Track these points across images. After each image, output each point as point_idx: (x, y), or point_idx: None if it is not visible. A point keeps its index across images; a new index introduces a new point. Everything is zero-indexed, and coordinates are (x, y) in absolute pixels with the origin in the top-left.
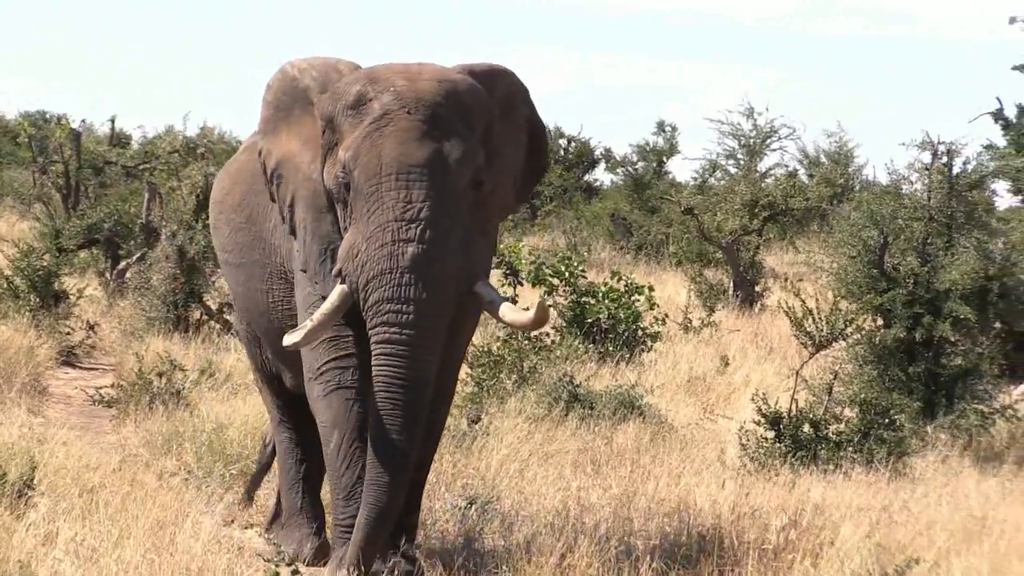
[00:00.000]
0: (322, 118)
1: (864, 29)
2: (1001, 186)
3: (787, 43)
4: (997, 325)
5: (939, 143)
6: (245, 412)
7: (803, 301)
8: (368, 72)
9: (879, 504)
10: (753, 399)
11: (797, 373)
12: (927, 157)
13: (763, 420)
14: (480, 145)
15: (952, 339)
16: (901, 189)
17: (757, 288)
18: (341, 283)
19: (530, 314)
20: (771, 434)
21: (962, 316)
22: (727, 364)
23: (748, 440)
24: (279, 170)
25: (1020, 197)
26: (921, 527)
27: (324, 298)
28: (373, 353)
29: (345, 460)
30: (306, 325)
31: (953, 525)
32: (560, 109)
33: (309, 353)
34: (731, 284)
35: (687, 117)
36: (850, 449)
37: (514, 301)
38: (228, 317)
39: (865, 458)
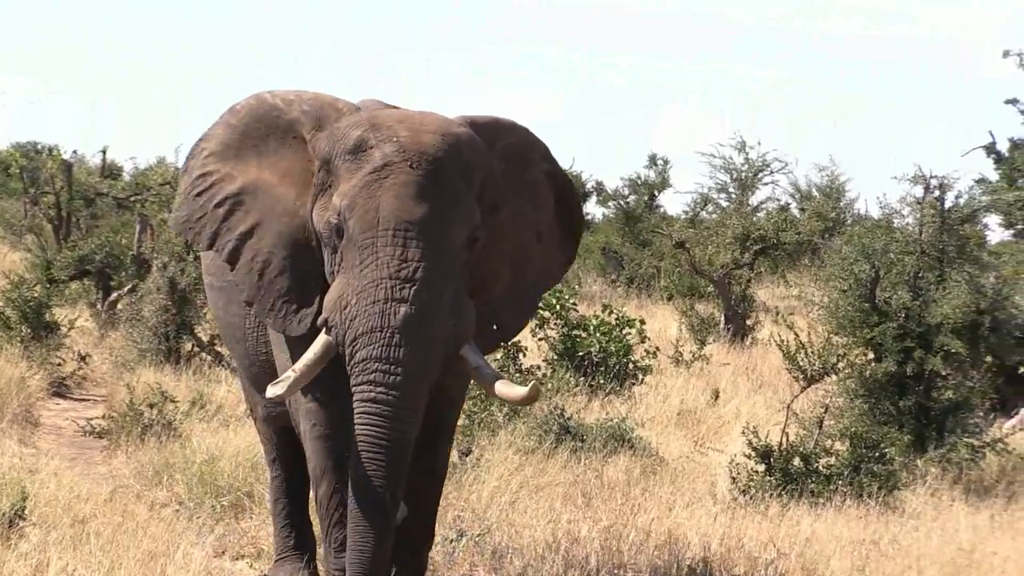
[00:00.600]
0: (317, 157)
1: (859, 40)
2: (993, 220)
3: (785, 50)
4: (988, 359)
5: (931, 177)
6: (236, 444)
7: (796, 335)
8: (370, 118)
9: (869, 537)
10: (743, 432)
11: (788, 407)
12: (919, 191)
13: (753, 453)
14: (477, 202)
15: (943, 373)
16: (893, 223)
17: (748, 322)
18: (326, 333)
19: (522, 391)
20: (761, 467)
21: (953, 350)
22: (718, 397)
23: (738, 473)
24: (242, 196)
25: (1012, 231)
26: (911, 560)
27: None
28: (356, 411)
29: (336, 511)
30: (288, 376)
31: (943, 559)
32: (555, 135)
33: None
34: (722, 317)
35: (687, 118)
36: (840, 482)
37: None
38: (219, 349)
39: (855, 491)
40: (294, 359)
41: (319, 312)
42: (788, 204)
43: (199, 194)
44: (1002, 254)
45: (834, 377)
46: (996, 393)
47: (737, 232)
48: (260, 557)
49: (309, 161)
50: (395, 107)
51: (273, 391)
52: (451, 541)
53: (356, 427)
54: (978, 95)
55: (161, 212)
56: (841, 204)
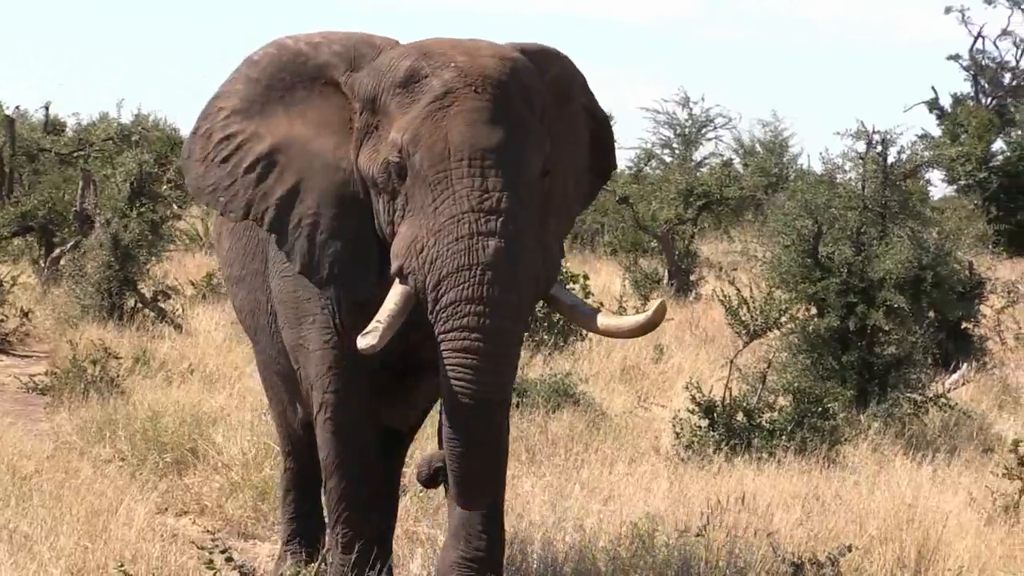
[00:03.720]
0: (358, 98)
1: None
2: (936, 175)
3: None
4: (931, 314)
5: (874, 132)
6: (179, 400)
7: (738, 290)
8: (418, 46)
9: (811, 492)
10: (687, 387)
11: (731, 362)
12: (862, 146)
13: (697, 408)
14: (543, 131)
15: (886, 328)
16: (835, 178)
17: (692, 277)
18: (401, 282)
19: (641, 317)
20: (704, 422)
21: (896, 305)
22: (661, 353)
23: (682, 428)
24: (274, 155)
25: (954, 186)
26: (853, 515)
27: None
28: (447, 362)
29: (345, 508)
30: (377, 327)
31: (885, 513)
32: None
33: (314, 369)
34: (666, 273)
35: (621, 106)
36: (783, 437)
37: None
38: (162, 305)
39: (798, 446)
40: (316, 337)
41: (380, 270)
42: (731, 159)
43: (225, 159)
44: (945, 209)
45: (777, 332)
46: (938, 348)
47: (680, 188)
48: (203, 513)
49: (345, 107)
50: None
51: (364, 342)
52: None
53: (448, 381)
54: (921, 51)
55: (104, 168)
56: (784, 159)
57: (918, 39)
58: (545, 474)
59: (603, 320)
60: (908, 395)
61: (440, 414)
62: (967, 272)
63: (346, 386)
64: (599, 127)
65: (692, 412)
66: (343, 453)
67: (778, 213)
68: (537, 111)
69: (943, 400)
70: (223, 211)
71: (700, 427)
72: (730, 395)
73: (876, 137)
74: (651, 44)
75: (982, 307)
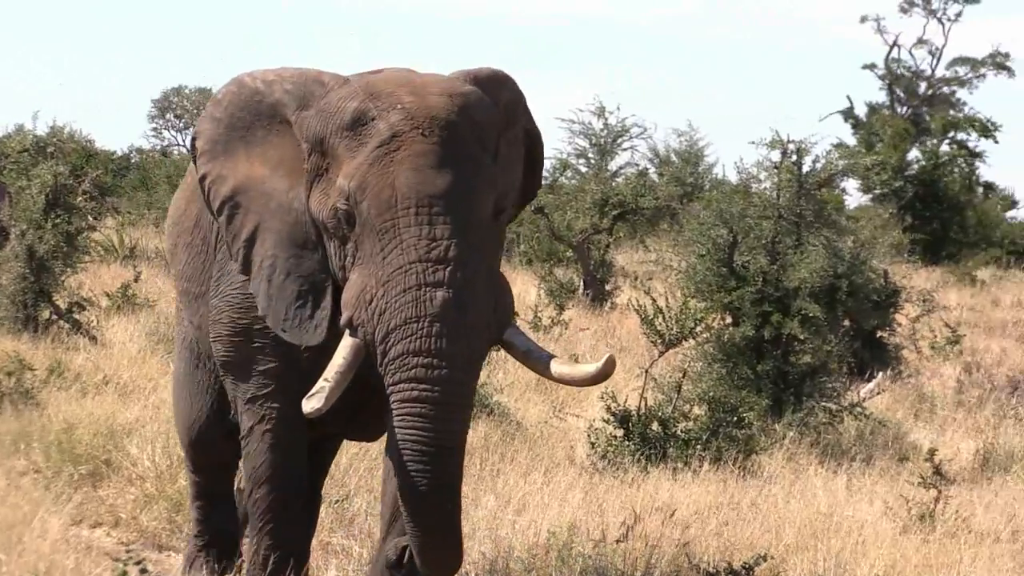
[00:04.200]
0: (307, 139)
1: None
2: (851, 184)
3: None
4: (846, 323)
5: (788, 142)
6: (94, 412)
7: (653, 299)
8: (365, 86)
9: (728, 501)
10: (602, 397)
11: (646, 371)
12: (776, 156)
13: (612, 418)
14: (496, 168)
15: (801, 337)
16: (750, 188)
17: (607, 287)
18: (351, 335)
19: (592, 368)
20: (620, 432)
21: (811, 314)
22: (577, 362)
23: (597, 438)
24: (236, 198)
25: (869, 195)
26: (769, 524)
27: (296, 347)
28: (396, 413)
29: (269, 521)
30: (323, 387)
31: (801, 522)
32: None
33: (242, 384)
34: (581, 283)
35: (546, 84)
36: (699, 447)
37: None
38: (77, 317)
39: (714, 456)
40: (271, 374)
41: (334, 314)
42: (647, 169)
43: (207, 202)
44: (860, 218)
45: (692, 342)
46: (853, 357)
47: (596, 197)
48: (118, 525)
49: (298, 146)
50: (382, 70)
51: (309, 405)
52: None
53: (399, 432)
54: (836, 60)
55: (19, 179)
56: (699, 169)
57: (833, 48)
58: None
59: (556, 368)
60: (823, 404)
61: (386, 467)
62: (882, 281)
63: (287, 403)
64: (533, 145)
65: (607, 422)
66: (279, 466)
67: (693, 223)
68: (491, 146)
69: (858, 409)
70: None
71: (616, 437)
72: (645, 405)
73: (791, 146)
74: (567, 47)
75: (897, 316)
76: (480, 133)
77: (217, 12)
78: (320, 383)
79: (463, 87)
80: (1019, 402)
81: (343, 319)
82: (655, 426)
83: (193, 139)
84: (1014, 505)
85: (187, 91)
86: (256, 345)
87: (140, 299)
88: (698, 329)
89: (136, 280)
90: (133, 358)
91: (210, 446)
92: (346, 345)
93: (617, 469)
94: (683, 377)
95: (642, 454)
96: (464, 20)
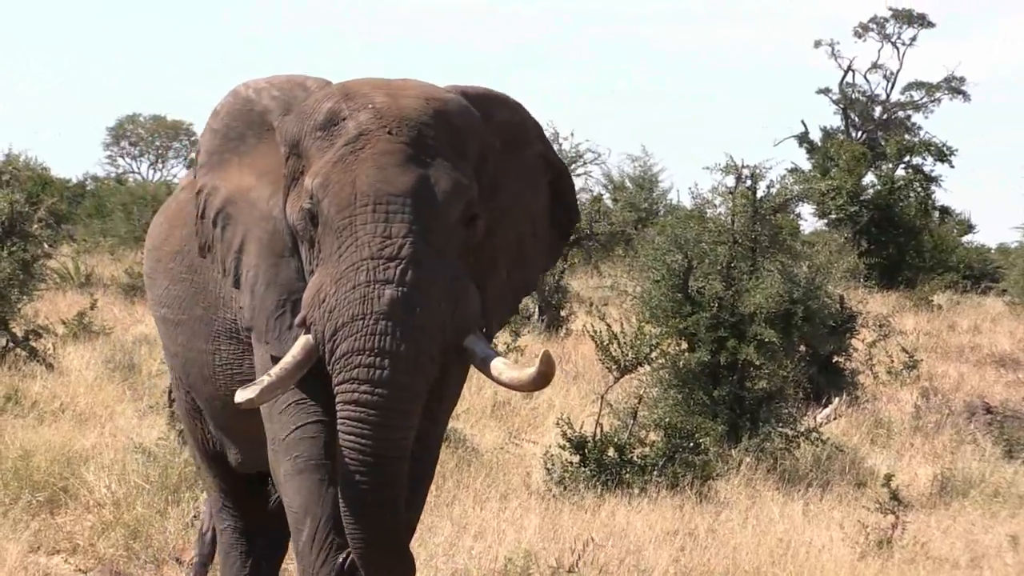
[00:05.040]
0: (285, 143)
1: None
2: (806, 209)
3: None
4: (802, 348)
5: (743, 167)
6: (51, 439)
7: (608, 325)
8: (342, 87)
9: (684, 527)
10: (558, 423)
11: (602, 397)
12: (731, 181)
13: (568, 444)
14: (474, 174)
15: (757, 363)
16: (705, 213)
17: (562, 312)
18: (305, 333)
19: (531, 370)
20: (576, 458)
21: (766, 339)
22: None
23: (553, 464)
24: (227, 209)
25: (825, 220)
26: (727, 550)
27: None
28: (339, 416)
29: (321, 553)
30: (262, 380)
31: (758, 548)
32: None
33: (272, 421)
34: (536, 309)
35: None
36: (655, 473)
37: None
38: (34, 344)
39: (670, 482)
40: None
41: None
42: (601, 195)
43: (201, 216)
44: (815, 243)
45: (648, 367)
46: (810, 382)
47: None
48: (76, 552)
49: (280, 153)
50: (369, 78)
51: (243, 395)
52: None
53: (340, 436)
54: (791, 84)
55: None
56: (654, 194)
57: (787, 73)
58: None
59: (508, 374)
60: (780, 429)
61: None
62: (838, 306)
63: (315, 421)
64: (557, 178)
65: (563, 448)
66: (314, 495)
67: (648, 248)
68: (471, 154)
69: (815, 434)
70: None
71: (572, 463)
72: (601, 431)
73: (745, 171)
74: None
75: (853, 341)
76: (456, 138)
77: (172, 40)
78: (262, 376)
79: (443, 93)
80: (976, 427)
81: (298, 318)
82: (611, 452)
83: (195, 152)
84: (972, 531)
85: (141, 119)
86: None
87: (96, 326)
88: (653, 355)
89: (92, 307)
90: (90, 385)
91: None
92: (298, 344)
93: (573, 495)
94: (639, 403)
95: (598, 480)
96: (432, 47)
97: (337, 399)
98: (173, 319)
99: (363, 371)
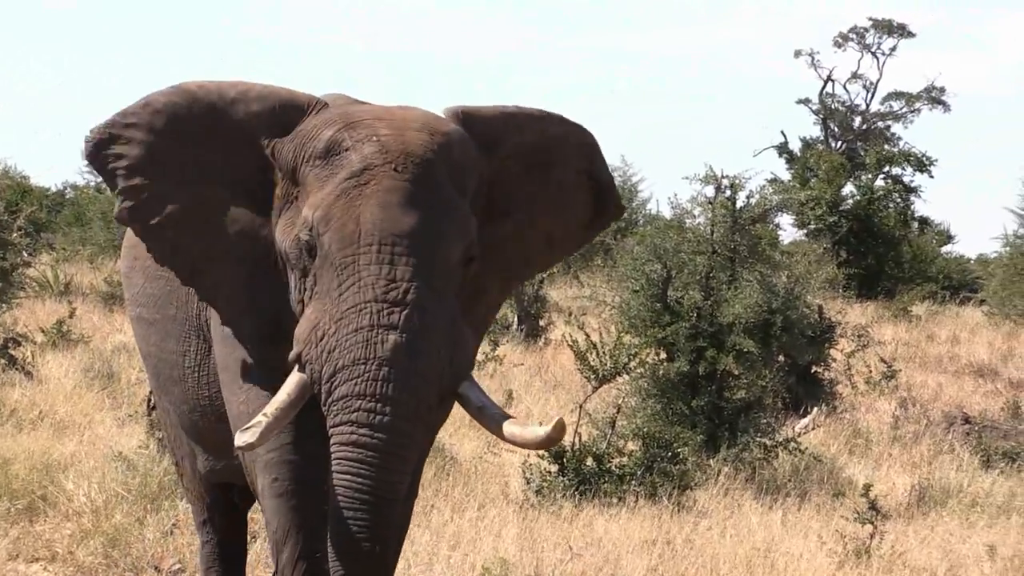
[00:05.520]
0: (280, 166)
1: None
2: (785, 220)
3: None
4: (780, 358)
5: (723, 177)
6: (30, 447)
7: (587, 335)
8: (343, 114)
9: (662, 537)
10: None
11: (581, 407)
12: (710, 191)
13: (546, 454)
14: (471, 213)
15: (735, 372)
16: (684, 223)
17: (541, 322)
18: (299, 371)
19: (542, 431)
20: (554, 468)
21: (745, 349)
22: (511, 398)
23: (531, 474)
24: (185, 217)
25: (804, 231)
26: (705, 559)
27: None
28: (334, 456)
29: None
30: (260, 422)
31: (736, 558)
32: None
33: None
34: (515, 318)
35: None
36: (633, 482)
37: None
38: (13, 352)
39: (648, 491)
40: (254, 400)
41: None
42: None
43: (134, 217)
44: (794, 253)
45: (626, 377)
46: (788, 392)
47: None
48: (55, 560)
49: (265, 171)
50: (365, 103)
51: (242, 439)
52: None
53: (335, 477)
54: (770, 95)
55: None
56: (633, 204)
57: (767, 82)
58: None
59: (508, 428)
60: (758, 439)
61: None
62: (817, 316)
63: (292, 441)
64: (601, 191)
65: (542, 457)
66: (295, 518)
67: (627, 258)
68: (469, 190)
69: (793, 444)
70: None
71: (550, 472)
72: (580, 440)
73: (725, 181)
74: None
75: (832, 351)
76: (457, 175)
77: (149, 50)
78: (259, 417)
79: (446, 126)
80: (955, 437)
81: (292, 354)
82: (589, 461)
83: (112, 142)
84: (950, 540)
85: None
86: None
87: (75, 335)
88: (632, 364)
89: (71, 316)
90: (68, 394)
91: (205, 497)
92: (292, 381)
93: (551, 504)
94: (617, 412)
95: (576, 490)
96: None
97: (333, 440)
98: (148, 318)
99: (363, 415)
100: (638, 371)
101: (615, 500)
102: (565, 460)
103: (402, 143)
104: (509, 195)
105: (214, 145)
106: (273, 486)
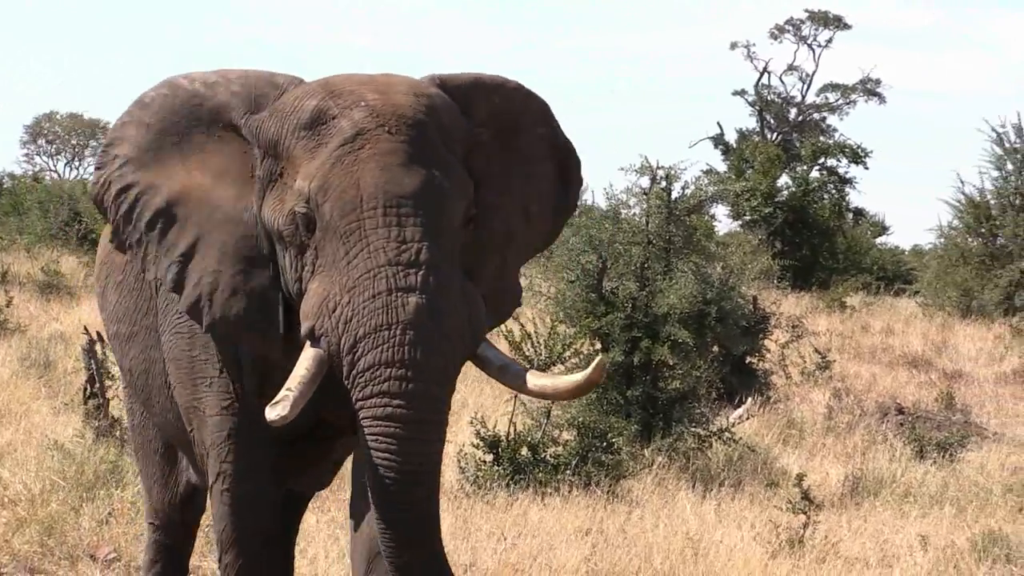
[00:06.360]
0: (259, 143)
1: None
2: (721, 210)
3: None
4: (715, 349)
5: (658, 168)
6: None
7: (522, 325)
8: (324, 84)
9: (596, 527)
10: (471, 422)
11: (516, 396)
12: (646, 182)
13: (481, 443)
14: (465, 174)
15: (670, 363)
16: (620, 214)
17: None
18: (313, 345)
19: (580, 376)
20: (489, 457)
21: (680, 340)
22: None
23: (466, 463)
24: (173, 209)
25: (739, 221)
26: (639, 549)
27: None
28: (367, 431)
29: None
30: (287, 395)
31: (670, 547)
32: None
33: (210, 436)
34: None
35: None
36: (568, 472)
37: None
38: None
39: (582, 481)
40: (223, 390)
41: (288, 329)
42: None
43: (127, 214)
44: (729, 244)
45: (561, 367)
46: (722, 383)
47: None
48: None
49: (246, 153)
50: (340, 74)
51: (273, 412)
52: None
53: (372, 453)
54: (706, 86)
55: None
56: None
57: (703, 74)
58: (330, 509)
59: (534, 380)
60: (692, 429)
61: (353, 483)
62: (751, 307)
63: (247, 455)
64: (563, 159)
65: (477, 447)
66: (241, 528)
67: (563, 248)
68: (459, 152)
69: (727, 434)
70: (144, 271)
71: (485, 462)
72: (515, 430)
73: (660, 172)
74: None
75: (766, 342)
76: (447, 137)
77: (91, 38)
78: (284, 391)
79: (428, 88)
80: (888, 427)
81: (304, 329)
82: (524, 451)
83: (109, 145)
84: (883, 530)
85: (59, 116)
86: (209, 390)
87: (12, 324)
88: (567, 355)
89: (8, 305)
90: (5, 383)
91: (169, 514)
92: (308, 356)
93: (486, 494)
94: (552, 402)
95: (511, 479)
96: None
97: (362, 414)
98: (126, 333)
99: (393, 384)
100: (573, 361)
101: (550, 490)
102: (500, 450)
103: (392, 106)
104: (485, 162)
105: (198, 131)
106: (223, 496)
